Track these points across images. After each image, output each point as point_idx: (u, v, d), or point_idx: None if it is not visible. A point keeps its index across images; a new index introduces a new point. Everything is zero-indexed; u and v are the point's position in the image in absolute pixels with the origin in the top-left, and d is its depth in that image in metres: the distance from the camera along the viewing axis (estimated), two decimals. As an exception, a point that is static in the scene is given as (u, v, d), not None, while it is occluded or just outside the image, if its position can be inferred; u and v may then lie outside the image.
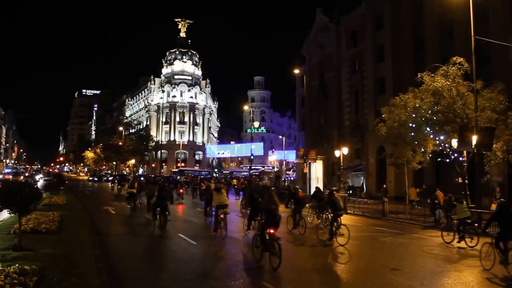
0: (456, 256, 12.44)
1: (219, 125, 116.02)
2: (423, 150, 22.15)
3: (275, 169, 71.45)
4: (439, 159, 23.83)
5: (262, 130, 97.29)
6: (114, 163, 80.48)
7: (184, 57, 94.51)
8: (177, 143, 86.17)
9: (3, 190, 9.46)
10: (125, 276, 9.22)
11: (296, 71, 42.51)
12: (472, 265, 10.85)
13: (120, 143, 70.17)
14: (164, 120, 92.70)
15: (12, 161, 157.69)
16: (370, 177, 38.56)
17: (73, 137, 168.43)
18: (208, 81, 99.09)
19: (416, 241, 15.04)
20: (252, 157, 60.68)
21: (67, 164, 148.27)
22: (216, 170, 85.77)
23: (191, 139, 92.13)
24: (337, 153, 34.26)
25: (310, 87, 47.24)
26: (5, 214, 13.87)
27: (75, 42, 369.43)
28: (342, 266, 10.89)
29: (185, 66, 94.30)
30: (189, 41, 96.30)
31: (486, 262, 10.23)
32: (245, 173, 66.91)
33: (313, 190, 23.13)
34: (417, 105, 20.79)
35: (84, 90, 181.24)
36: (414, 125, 21.45)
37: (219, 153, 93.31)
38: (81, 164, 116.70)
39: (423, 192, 25.89)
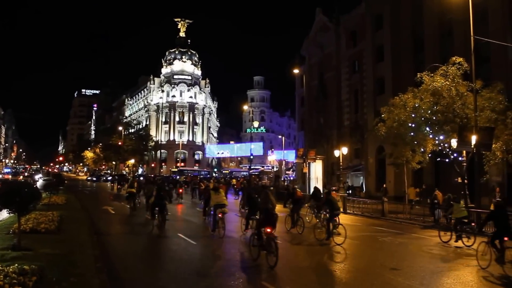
0: (454, 256, 12.45)
1: (219, 125, 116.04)
2: (422, 150, 22.17)
3: (275, 169, 71.46)
4: (439, 159, 23.85)
5: (262, 130, 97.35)
6: (114, 163, 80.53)
7: (183, 57, 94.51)
8: (176, 143, 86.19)
9: (2, 190, 9.46)
10: (124, 276, 9.22)
11: (296, 71, 42.47)
12: (471, 265, 10.87)
13: (120, 143, 70.18)
14: (163, 120, 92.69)
15: (12, 161, 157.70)
16: (370, 177, 38.58)
17: (72, 137, 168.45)
18: (207, 81, 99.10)
19: (416, 241, 15.06)
20: (251, 157, 60.68)
21: (66, 164, 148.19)
22: (215, 170, 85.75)
23: (190, 139, 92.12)
24: (336, 153, 34.26)
25: (309, 87, 47.22)
26: (4, 214, 13.89)
27: (75, 42, 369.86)
28: (342, 265, 10.89)
29: (184, 66, 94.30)
30: (189, 41, 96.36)
31: (483, 261, 10.37)
32: (245, 173, 66.89)
33: (312, 190, 23.12)
34: (416, 105, 20.80)
35: (83, 90, 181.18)
36: (413, 125, 21.46)
37: (218, 153, 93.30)
38: (81, 164, 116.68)
39: (423, 192, 25.90)
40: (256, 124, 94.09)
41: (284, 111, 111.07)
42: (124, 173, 72.36)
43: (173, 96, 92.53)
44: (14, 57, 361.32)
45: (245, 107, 77.34)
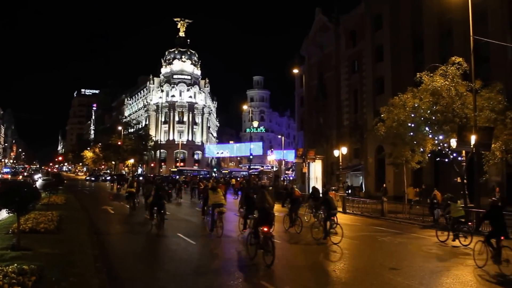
0: (453, 255, 12.47)
1: (218, 124, 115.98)
2: (422, 149, 22.17)
3: (274, 169, 71.44)
4: (438, 158, 23.84)
5: (261, 130, 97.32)
6: (113, 162, 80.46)
7: (183, 56, 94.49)
8: (176, 142, 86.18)
9: (1, 190, 9.46)
10: (124, 276, 9.22)
11: (295, 71, 42.46)
12: (468, 264, 10.93)
13: (119, 143, 70.13)
14: (163, 119, 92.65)
15: (11, 161, 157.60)
16: (369, 176, 38.59)
17: (72, 136, 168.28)
18: (207, 80, 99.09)
19: (415, 241, 15.09)
20: (251, 157, 60.69)
21: (66, 164, 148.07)
22: (215, 169, 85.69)
23: (190, 138, 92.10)
24: (336, 152, 34.28)
25: (309, 87, 47.24)
26: (3, 214, 13.89)
27: (75, 42, 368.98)
28: (341, 265, 10.90)
29: (184, 65, 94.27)
30: (188, 40, 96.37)
31: (479, 260, 10.45)
32: (244, 173, 66.88)
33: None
34: (416, 105, 20.80)
35: (83, 90, 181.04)
36: (413, 125, 21.47)
37: (218, 153, 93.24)
38: (80, 164, 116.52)
39: (422, 192, 25.92)
40: (255, 124, 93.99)
41: (283, 111, 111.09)
42: (124, 173, 72.35)
43: (173, 96, 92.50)
44: (14, 57, 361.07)
45: (245, 107, 77.36)
